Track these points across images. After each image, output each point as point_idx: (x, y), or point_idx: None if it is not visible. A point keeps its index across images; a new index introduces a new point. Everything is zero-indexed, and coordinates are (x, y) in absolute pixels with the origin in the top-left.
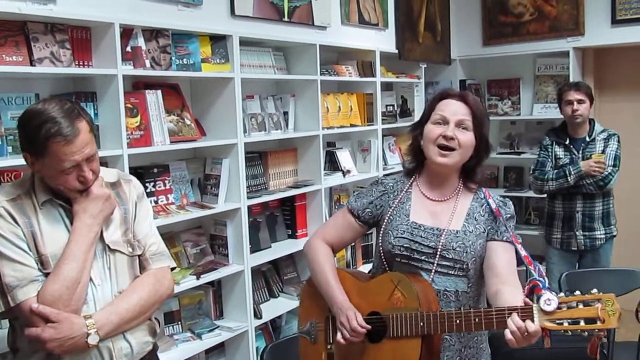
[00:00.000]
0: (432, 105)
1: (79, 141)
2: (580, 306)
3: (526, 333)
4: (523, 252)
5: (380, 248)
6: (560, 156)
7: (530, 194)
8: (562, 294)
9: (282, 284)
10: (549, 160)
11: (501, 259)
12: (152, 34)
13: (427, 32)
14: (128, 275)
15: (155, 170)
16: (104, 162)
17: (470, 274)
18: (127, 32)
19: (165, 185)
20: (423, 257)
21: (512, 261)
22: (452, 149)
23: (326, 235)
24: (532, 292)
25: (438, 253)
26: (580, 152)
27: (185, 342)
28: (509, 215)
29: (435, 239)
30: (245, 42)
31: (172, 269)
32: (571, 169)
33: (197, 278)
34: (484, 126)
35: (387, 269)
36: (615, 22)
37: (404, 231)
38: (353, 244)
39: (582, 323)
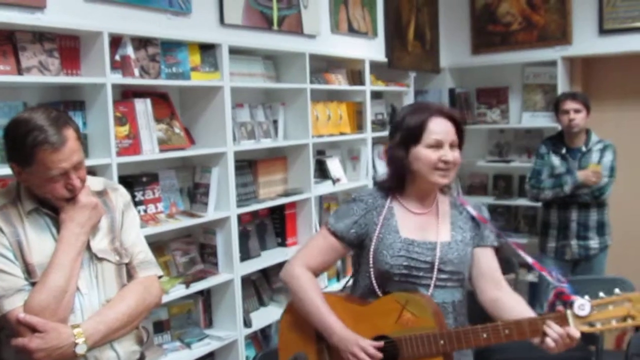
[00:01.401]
0: (421, 124)
1: (67, 149)
2: (611, 307)
3: (568, 339)
4: (530, 259)
5: (371, 268)
6: (557, 165)
7: (520, 202)
8: (588, 297)
9: (272, 292)
10: (545, 169)
11: (491, 264)
12: (141, 42)
13: (416, 41)
14: (115, 284)
15: (145, 179)
16: (93, 171)
17: (465, 283)
18: (116, 41)
19: (154, 194)
20: (421, 273)
21: (497, 263)
22: (449, 169)
23: (308, 260)
24: (558, 299)
25: (436, 267)
26: (577, 161)
27: (174, 352)
28: (489, 218)
29: (430, 253)
30: (234, 51)
31: (160, 277)
32: (568, 179)
33: (187, 287)
34: (464, 140)
35: (378, 289)
36: (602, 31)
37: (399, 249)
38: None
39: (613, 322)
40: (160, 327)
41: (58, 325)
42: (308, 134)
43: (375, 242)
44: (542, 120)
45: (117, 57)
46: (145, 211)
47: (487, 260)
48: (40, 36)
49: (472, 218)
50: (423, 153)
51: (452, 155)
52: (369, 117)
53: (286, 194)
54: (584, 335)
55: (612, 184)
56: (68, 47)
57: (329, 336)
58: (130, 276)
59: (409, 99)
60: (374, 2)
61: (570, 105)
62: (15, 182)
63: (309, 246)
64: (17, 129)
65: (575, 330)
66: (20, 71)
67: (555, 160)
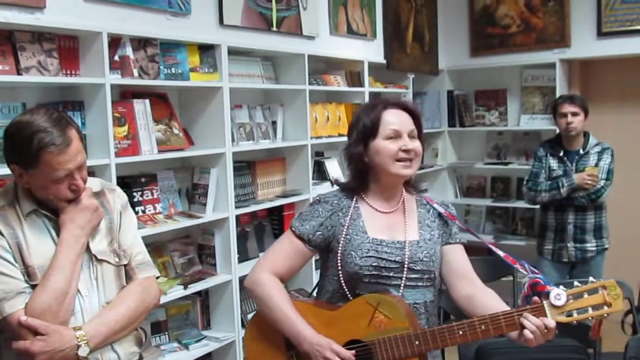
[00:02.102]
0: (375, 118)
1: (72, 149)
2: (586, 295)
3: (545, 330)
4: (501, 253)
5: (340, 271)
6: (554, 168)
7: (518, 204)
8: (563, 287)
9: None
10: (543, 171)
11: (461, 261)
12: (140, 43)
13: (415, 43)
14: (115, 285)
15: (143, 179)
16: (91, 172)
17: (436, 282)
18: (115, 42)
19: (153, 194)
20: (391, 274)
21: (469, 261)
22: (411, 159)
23: (274, 266)
24: (533, 290)
25: (406, 266)
26: (574, 164)
27: (172, 353)
28: (456, 216)
29: (400, 252)
30: (233, 52)
31: (157, 277)
32: (564, 181)
33: (185, 288)
34: (423, 132)
35: (348, 292)
36: (600, 34)
37: (368, 250)
38: None
39: (590, 311)
40: (158, 328)
41: (60, 327)
42: (307, 135)
43: (342, 244)
44: (541, 123)
45: (116, 58)
46: (143, 212)
47: (457, 257)
48: (40, 36)
49: (440, 215)
50: (382, 145)
51: (412, 144)
52: None
53: (285, 195)
54: (581, 337)
55: (609, 187)
56: (67, 47)
57: (300, 343)
58: (128, 277)
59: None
60: (373, 3)
61: (568, 108)
62: (12, 183)
63: (274, 251)
64: (19, 132)
65: (551, 321)
66: (19, 71)
67: (553, 162)
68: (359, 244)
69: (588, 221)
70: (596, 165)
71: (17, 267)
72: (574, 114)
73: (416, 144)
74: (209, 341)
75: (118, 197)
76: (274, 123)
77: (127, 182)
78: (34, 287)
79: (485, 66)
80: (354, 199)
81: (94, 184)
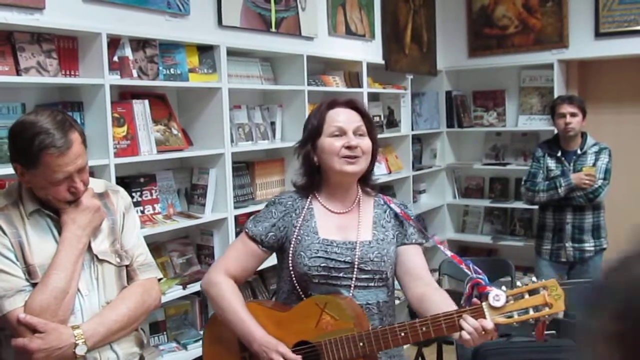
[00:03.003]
0: (320, 117)
1: (72, 153)
2: (527, 296)
3: (483, 332)
4: (449, 252)
5: (292, 272)
6: (552, 168)
7: (516, 204)
8: (504, 287)
9: (268, 293)
10: (541, 171)
11: (416, 261)
12: (140, 44)
13: (413, 44)
14: (115, 285)
15: (142, 180)
16: (90, 172)
17: (389, 282)
18: (114, 42)
19: (151, 195)
20: (341, 274)
21: (425, 262)
22: (356, 157)
23: (227, 267)
24: (474, 291)
25: (356, 267)
26: (572, 164)
27: (170, 353)
28: (413, 217)
29: (350, 253)
30: (232, 53)
31: (159, 279)
32: (562, 181)
33: (184, 288)
34: (375, 129)
35: (301, 292)
36: (598, 35)
37: (317, 250)
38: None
39: (531, 312)
40: (156, 328)
41: (58, 326)
42: None
43: (293, 244)
44: (539, 123)
45: (116, 58)
46: (142, 212)
47: (411, 258)
48: (39, 37)
49: (396, 216)
50: (327, 142)
51: (357, 140)
52: None
53: None
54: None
55: (606, 187)
56: (66, 47)
57: (250, 344)
58: (130, 278)
59: (406, 102)
60: (371, 4)
61: (566, 109)
62: (16, 183)
63: (229, 252)
64: (23, 132)
65: (489, 323)
66: (18, 72)
67: (551, 163)
68: (309, 245)
69: (586, 221)
70: (594, 165)
71: (18, 266)
72: (573, 115)
73: (363, 141)
74: None
75: (121, 199)
76: (272, 124)
77: (126, 183)
78: (34, 285)
79: (483, 67)
80: (309, 200)
81: (97, 185)
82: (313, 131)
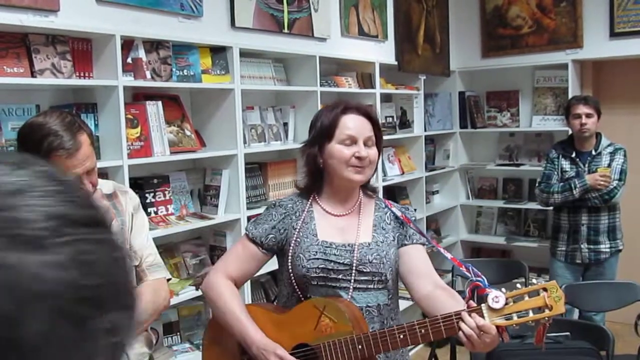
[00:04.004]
0: (333, 121)
1: (81, 154)
2: (527, 298)
3: (481, 333)
4: (449, 255)
5: (291, 274)
6: (567, 169)
7: (530, 205)
8: (503, 289)
9: None
10: (555, 173)
11: (419, 260)
12: (153, 45)
13: (426, 44)
14: None
15: (155, 181)
16: (104, 173)
17: (389, 285)
18: (127, 44)
19: (165, 196)
20: (340, 276)
21: (429, 261)
22: (364, 167)
23: (227, 269)
24: (474, 293)
25: (354, 268)
26: (587, 165)
27: (184, 353)
28: (414, 218)
29: (349, 255)
30: (245, 54)
31: (168, 280)
32: (577, 182)
33: (197, 289)
34: (382, 137)
35: (301, 295)
36: (613, 34)
37: (316, 252)
38: None
39: (530, 314)
40: (169, 328)
41: None
42: None
43: (293, 247)
44: (553, 124)
45: (129, 60)
46: (155, 213)
47: (413, 257)
48: (54, 39)
49: (397, 218)
50: (336, 149)
51: (367, 151)
52: (378, 120)
53: None
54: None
55: (622, 188)
56: (81, 49)
57: (248, 347)
58: (139, 279)
59: (419, 102)
60: (384, 5)
61: (582, 109)
62: None
63: (229, 255)
64: (32, 134)
65: (488, 324)
66: (33, 73)
67: (565, 164)
68: (308, 247)
69: (602, 222)
70: (609, 165)
71: None
72: (588, 115)
73: (371, 152)
74: None
75: (130, 199)
76: (285, 124)
77: (139, 184)
78: None
79: (497, 67)
80: (309, 202)
81: (106, 186)
82: (323, 134)
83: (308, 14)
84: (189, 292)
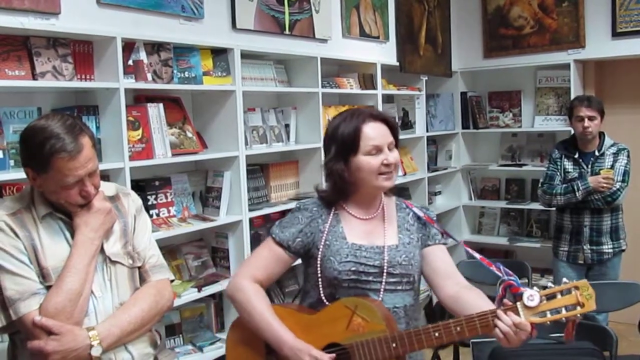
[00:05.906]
0: (355, 133)
1: (83, 157)
2: (559, 296)
3: (517, 330)
4: (478, 255)
5: (320, 277)
6: (569, 170)
7: (532, 206)
8: (536, 288)
9: (283, 296)
10: (558, 173)
11: (444, 260)
12: (154, 47)
13: (428, 45)
14: (128, 287)
15: (157, 183)
16: (106, 175)
17: (416, 286)
18: (129, 46)
19: (166, 198)
20: (370, 278)
21: (452, 261)
22: (392, 172)
23: (254, 272)
24: (507, 292)
25: (385, 271)
26: (590, 166)
27: (186, 355)
28: (435, 218)
29: (378, 257)
30: (246, 55)
31: (172, 281)
32: (579, 185)
33: (199, 291)
34: (399, 139)
35: (328, 297)
36: (615, 34)
37: (347, 254)
38: None
39: (563, 311)
40: (172, 330)
41: (74, 327)
42: (319, 138)
43: (322, 250)
44: (555, 124)
45: (130, 62)
46: (157, 215)
47: (438, 258)
48: (55, 41)
49: (419, 218)
50: (364, 161)
51: (393, 156)
52: None
53: (298, 197)
54: (598, 340)
55: (625, 189)
56: (82, 52)
57: (280, 348)
58: (142, 280)
59: (420, 103)
60: (385, 6)
61: (585, 112)
62: (29, 187)
63: (255, 258)
64: (33, 137)
65: (524, 321)
66: (34, 76)
67: (568, 164)
68: (338, 249)
69: (604, 223)
70: (612, 167)
71: (32, 269)
72: (591, 118)
73: (395, 155)
74: (223, 343)
75: (132, 201)
76: (287, 126)
77: (141, 186)
78: (48, 288)
79: (499, 67)
80: (334, 207)
81: (108, 188)
82: (346, 148)
83: (309, 15)
84: (191, 294)
